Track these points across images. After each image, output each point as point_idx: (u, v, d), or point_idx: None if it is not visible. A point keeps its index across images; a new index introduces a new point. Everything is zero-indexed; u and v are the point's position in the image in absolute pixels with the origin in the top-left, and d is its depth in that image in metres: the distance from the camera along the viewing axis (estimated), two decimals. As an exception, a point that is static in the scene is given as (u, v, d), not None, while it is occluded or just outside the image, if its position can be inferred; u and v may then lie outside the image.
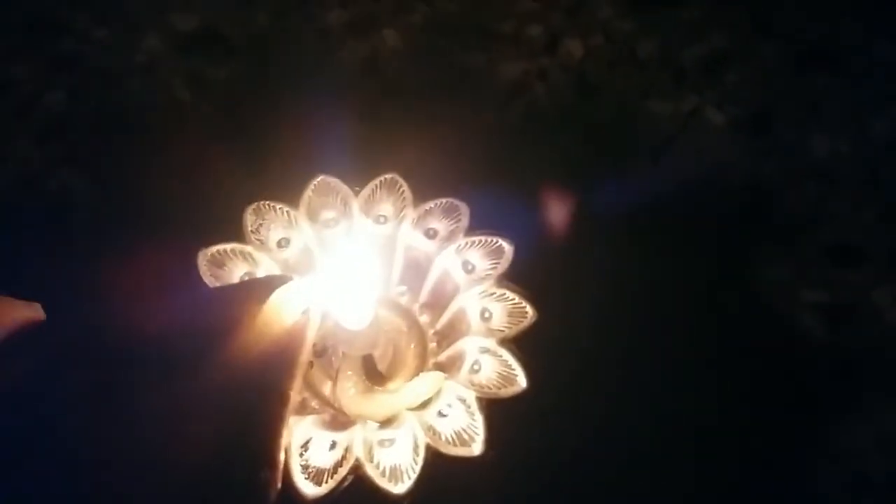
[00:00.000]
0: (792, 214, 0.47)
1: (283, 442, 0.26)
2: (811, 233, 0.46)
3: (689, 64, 0.51)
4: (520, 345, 0.35)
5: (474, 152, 0.45)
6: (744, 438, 0.41)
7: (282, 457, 0.26)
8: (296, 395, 0.27)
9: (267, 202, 0.37)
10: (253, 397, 0.26)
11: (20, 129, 0.49)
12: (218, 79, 0.50)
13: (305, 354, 0.28)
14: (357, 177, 0.38)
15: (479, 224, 0.37)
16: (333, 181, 0.38)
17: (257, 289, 0.28)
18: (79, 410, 0.24)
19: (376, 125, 0.46)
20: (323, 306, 0.30)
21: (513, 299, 0.36)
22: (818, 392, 0.42)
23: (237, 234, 0.37)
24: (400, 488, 0.31)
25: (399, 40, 0.51)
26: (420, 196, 0.38)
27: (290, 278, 0.29)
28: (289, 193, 0.37)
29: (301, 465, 0.31)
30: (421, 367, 0.37)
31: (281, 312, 0.27)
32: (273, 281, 0.28)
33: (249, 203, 0.37)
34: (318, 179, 0.38)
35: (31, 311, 0.26)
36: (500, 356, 0.34)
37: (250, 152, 0.45)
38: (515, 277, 0.36)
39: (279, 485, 0.26)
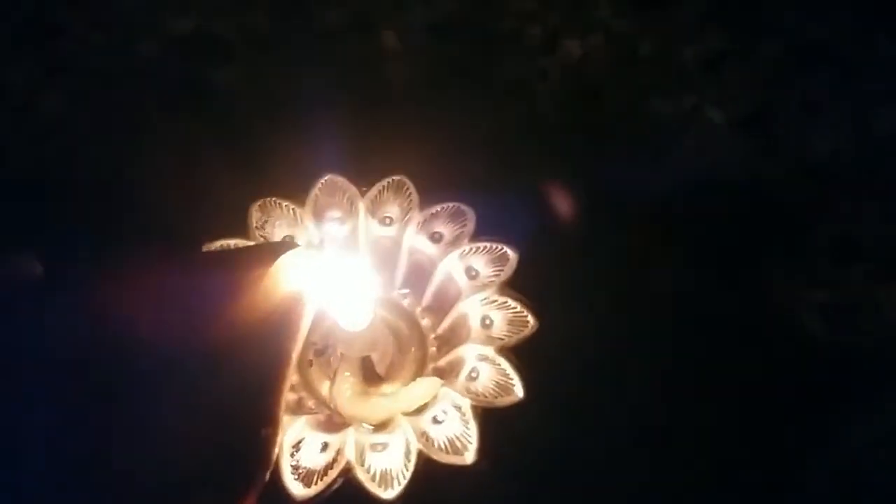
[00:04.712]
0: (793, 212, 0.47)
1: (283, 402, 0.26)
2: (812, 231, 0.46)
3: (689, 62, 0.51)
4: (519, 354, 0.34)
5: (472, 153, 0.44)
6: (745, 440, 0.40)
7: (283, 416, 0.26)
8: (297, 356, 0.27)
9: (273, 199, 0.37)
10: (256, 357, 0.26)
11: (17, 132, 0.49)
12: (216, 80, 0.50)
13: (309, 317, 0.28)
14: (353, 178, 0.38)
15: (478, 227, 0.37)
16: (340, 180, 0.38)
17: (263, 253, 0.28)
18: (78, 368, 0.24)
19: (375, 126, 0.45)
20: (328, 275, 0.29)
21: (514, 308, 0.36)
22: (820, 390, 0.42)
23: (241, 234, 0.37)
24: (389, 494, 0.31)
25: (398, 41, 0.51)
26: (424, 199, 0.38)
27: (297, 245, 0.29)
28: (288, 195, 0.37)
29: (291, 466, 0.31)
30: (420, 372, 0.37)
31: (286, 277, 0.27)
32: (279, 247, 0.28)
33: (250, 204, 0.37)
34: (326, 178, 0.38)
35: (26, 265, 0.26)
36: (499, 365, 0.34)
37: (249, 154, 0.45)
38: (518, 285, 0.36)
39: (278, 442, 0.26)
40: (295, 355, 0.27)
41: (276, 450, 0.26)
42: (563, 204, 0.44)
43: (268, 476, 0.25)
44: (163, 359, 0.24)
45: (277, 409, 0.26)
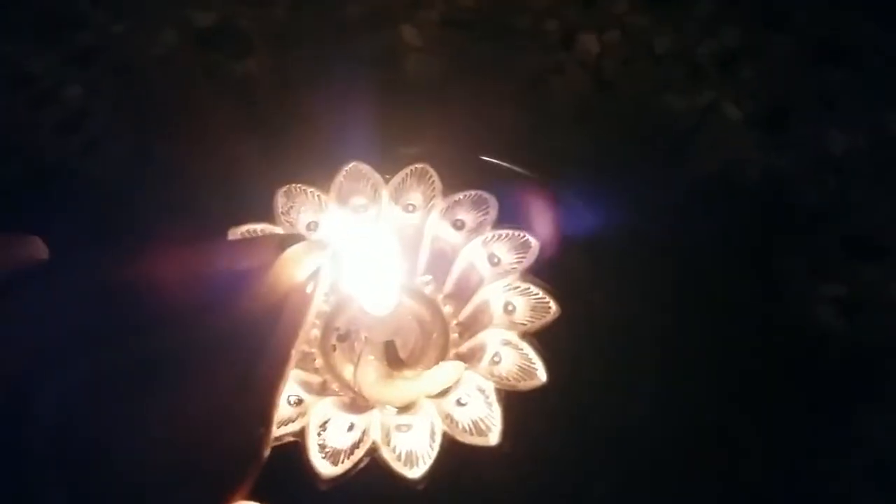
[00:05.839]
0: (809, 209, 0.47)
1: (279, 401, 0.26)
2: (828, 227, 0.46)
3: (705, 59, 0.51)
4: (541, 339, 0.35)
5: (489, 148, 0.45)
6: (761, 433, 0.40)
7: (276, 415, 0.26)
8: (297, 354, 0.27)
9: (298, 185, 0.38)
10: (254, 354, 0.25)
11: (38, 123, 0.50)
12: (236, 72, 0.51)
13: (311, 314, 0.27)
14: (377, 165, 0.38)
15: (499, 215, 0.37)
16: (365, 167, 0.39)
17: (268, 245, 0.27)
18: (79, 355, 0.23)
19: (393, 119, 0.46)
20: (333, 268, 0.29)
21: (537, 294, 0.36)
22: (835, 385, 0.42)
23: (267, 219, 0.37)
24: (415, 473, 0.32)
25: (415, 35, 0.51)
26: (447, 187, 0.38)
27: (303, 238, 0.28)
28: (313, 181, 0.38)
29: (318, 445, 0.32)
30: (442, 357, 0.37)
31: (291, 270, 0.27)
32: (285, 239, 0.27)
33: (275, 190, 0.37)
34: (350, 165, 0.39)
35: (32, 248, 0.25)
36: (521, 349, 0.34)
37: (273, 142, 0.46)
38: (540, 272, 0.36)
39: (271, 442, 0.26)
40: (295, 354, 0.26)
41: (268, 448, 0.25)
42: (575, 200, 0.45)
43: (257, 472, 0.25)
44: (164, 349, 0.24)
45: (273, 408, 0.25)
